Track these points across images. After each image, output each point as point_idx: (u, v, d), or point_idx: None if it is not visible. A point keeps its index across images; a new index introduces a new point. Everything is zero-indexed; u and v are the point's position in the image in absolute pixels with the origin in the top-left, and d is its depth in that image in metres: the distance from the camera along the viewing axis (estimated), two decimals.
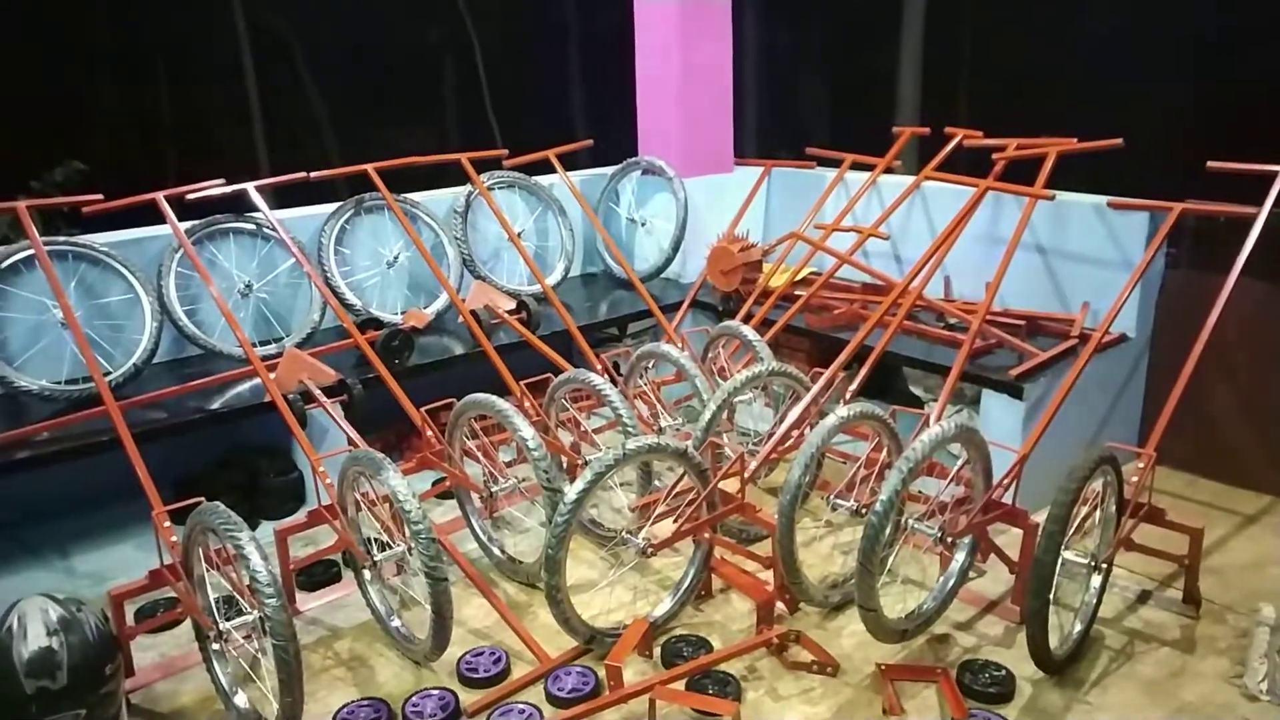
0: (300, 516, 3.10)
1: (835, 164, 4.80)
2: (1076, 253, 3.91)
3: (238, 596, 2.47)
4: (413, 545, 2.58)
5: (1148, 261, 3.37)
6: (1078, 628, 2.76)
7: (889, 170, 4.58)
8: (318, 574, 3.23)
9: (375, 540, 2.82)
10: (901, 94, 12.18)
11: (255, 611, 2.36)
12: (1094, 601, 2.78)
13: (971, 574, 3.03)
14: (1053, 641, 2.61)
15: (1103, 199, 3.78)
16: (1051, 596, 2.53)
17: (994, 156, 3.80)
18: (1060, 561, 2.54)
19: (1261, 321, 3.56)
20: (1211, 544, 3.30)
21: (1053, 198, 3.66)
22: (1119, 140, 3.56)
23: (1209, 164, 3.38)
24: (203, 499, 2.52)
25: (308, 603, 3.13)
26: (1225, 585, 3.10)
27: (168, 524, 2.63)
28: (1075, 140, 3.71)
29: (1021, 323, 3.85)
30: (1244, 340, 3.56)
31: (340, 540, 2.88)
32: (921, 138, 4.70)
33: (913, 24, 11.96)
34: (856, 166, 4.74)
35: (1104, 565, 2.75)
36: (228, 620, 2.46)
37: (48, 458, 3.12)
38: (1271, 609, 2.92)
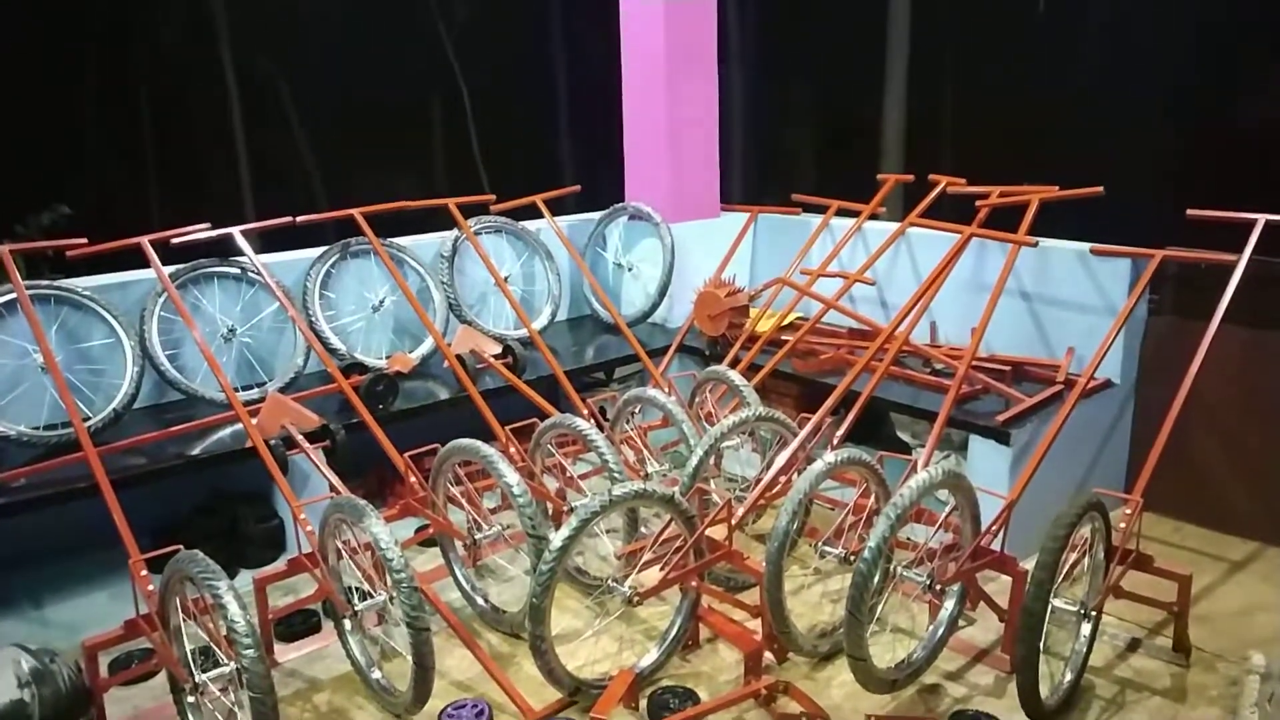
0: (280, 565, 3.05)
1: (821, 210, 4.85)
2: (1060, 299, 3.94)
3: (215, 647, 2.42)
4: (394, 594, 2.54)
5: (1130, 308, 3.40)
6: (1068, 677, 2.73)
7: (874, 216, 4.63)
8: (297, 624, 3.18)
9: (356, 589, 2.78)
10: (886, 142, 12.38)
11: (232, 663, 2.32)
12: (1084, 650, 2.76)
13: (961, 622, 3.00)
14: (1043, 691, 2.58)
15: (1085, 246, 3.82)
16: (1041, 645, 2.51)
17: (977, 204, 3.84)
18: (1050, 609, 2.53)
19: (1245, 368, 3.58)
20: (1200, 591, 3.28)
21: (1036, 244, 3.70)
22: (1099, 188, 3.61)
23: (1189, 212, 3.42)
24: (181, 547, 2.48)
25: (286, 654, 3.07)
26: (1215, 633, 3.08)
27: (144, 573, 2.58)
28: (1057, 188, 3.77)
29: (1007, 368, 3.87)
30: (1228, 386, 3.59)
31: (320, 589, 2.83)
32: (906, 185, 4.76)
33: (896, 73, 12.20)
34: (842, 213, 4.79)
35: (1093, 613, 2.73)
36: (204, 672, 2.40)
37: (24, 505, 3.07)
38: (1262, 657, 2.91)
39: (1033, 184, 3.85)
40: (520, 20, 17.01)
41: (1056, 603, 2.59)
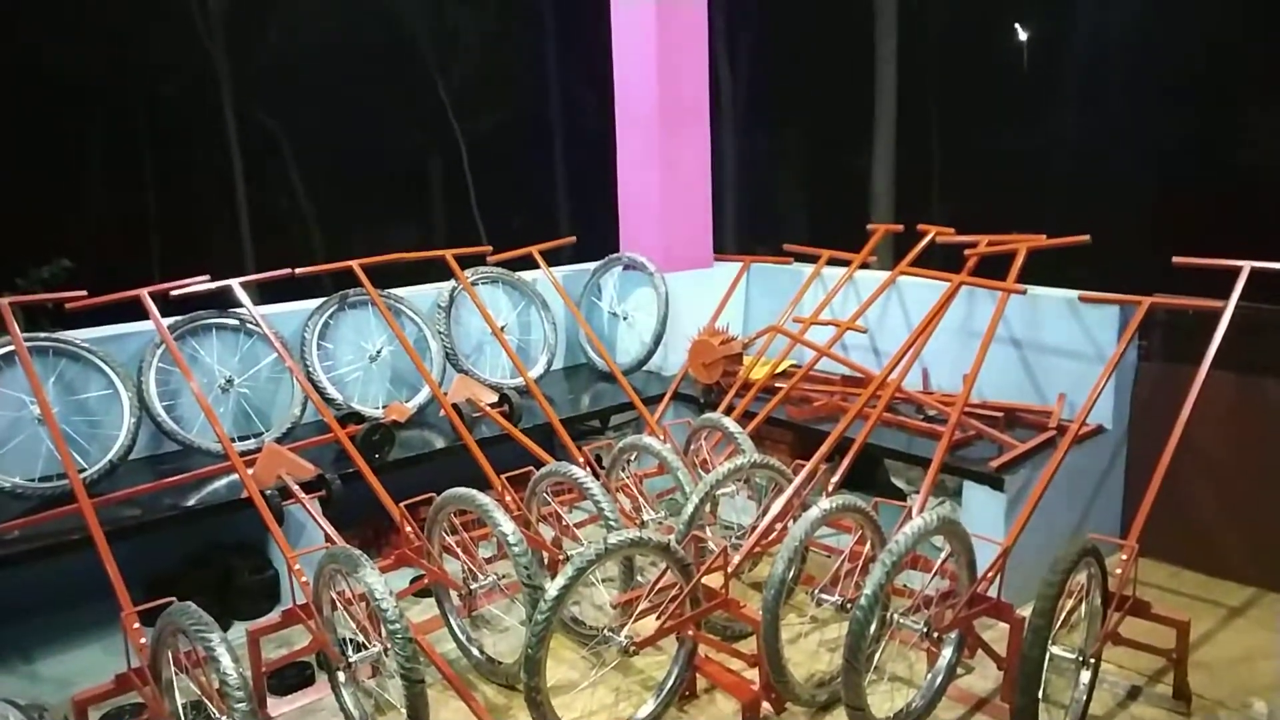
0: (274, 616, 3.03)
1: (812, 260, 4.90)
2: (1051, 345, 3.98)
3: (207, 701, 2.39)
4: (389, 645, 2.52)
5: (1120, 354, 3.43)
6: None
7: (865, 265, 4.68)
8: (290, 676, 3.14)
9: (351, 641, 2.75)
10: (875, 193, 12.59)
11: (224, 717, 2.29)
12: (1084, 698, 2.74)
13: (959, 670, 2.98)
14: None
15: (1074, 293, 3.86)
16: (1041, 693, 2.49)
17: (966, 252, 3.89)
18: (1048, 657, 2.51)
19: (1236, 412, 3.61)
20: (1199, 637, 3.27)
21: (1024, 292, 3.74)
22: (1086, 237, 3.66)
23: (1174, 259, 3.47)
24: (174, 599, 2.47)
25: (280, 707, 3.03)
26: (1214, 680, 3.06)
27: (137, 625, 2.56)
28: (1044, 237, 3.82)
29: (1000, 414, 3.89)
30: (1220, 431, 3.61)
31: (315, 641, 2.81)
32: (895, 234, 4.82)
33: (885, 126, 12.42)
34: (833, 262, 4.84)
35: (1092, 660, 2.72)
36: None
37: (17, 557, 3.04)
38: (1263, 704, 2.89)
39: (1020, 233, 3.91)
40: (517, 77, 17.39)
41: (1055, 650, 2.57)
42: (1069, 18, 14.33)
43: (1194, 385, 3.11)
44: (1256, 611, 3.50)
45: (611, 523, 3.15)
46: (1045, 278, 4.05)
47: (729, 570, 2.93)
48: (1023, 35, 15.28)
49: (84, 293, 3.60)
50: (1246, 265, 3.34)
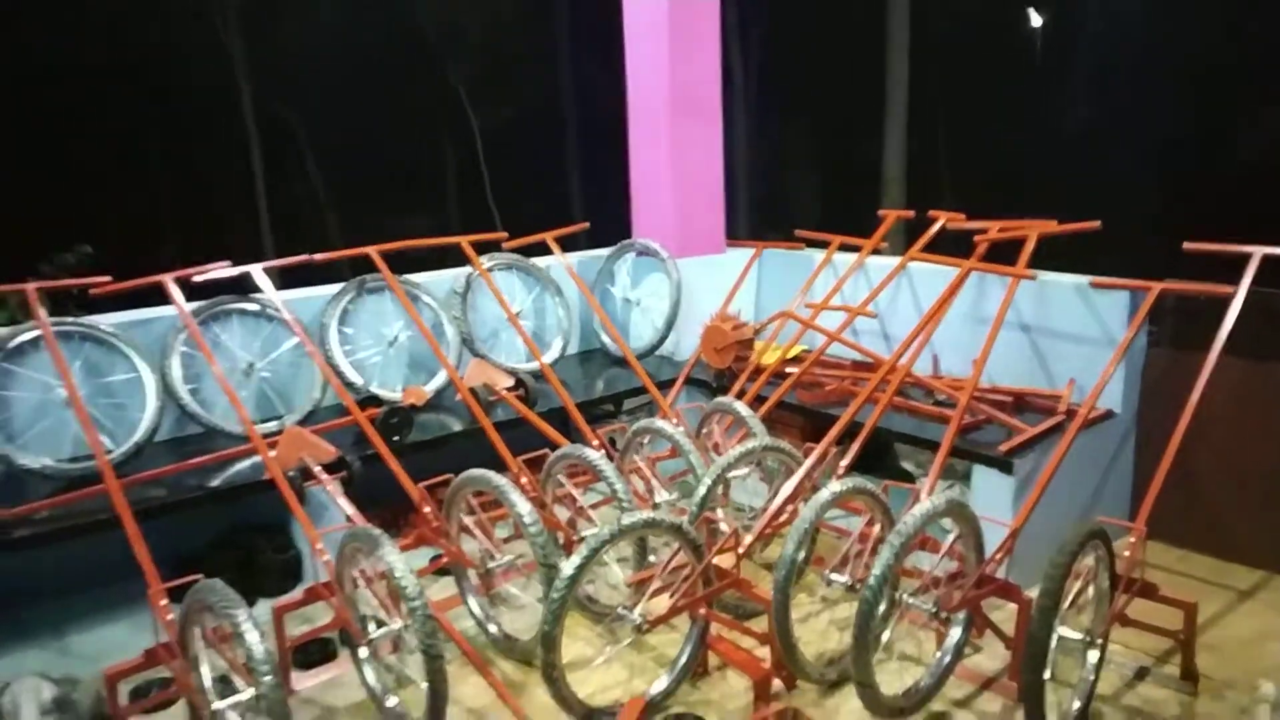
0: (297, 594, 3.10)
1: (824, 245, 4.93)
2: (1060, 331, 4.00)
3: (233, 675, 2.46)
4: (409, 622, 2.59)
5: (1130, 339, 3.45)
6: (1076, 705, 2.75)
7: (876, 251, 4.70)
8: (314, 652, 3.22)
9: (372, 617, 2.82)
10: (887, 179, 12.55)
11: (250, 690, 2.36)
12: (1091, 678, 2.77)
13: (968, 650, 3.03)
14: (1051, 719, 2.60)
15: (1085, 279, 3.88)
16: (1048, 673, 2.53)
17: (976, 239, 3.91)
18: (1055, 637, 2.55)
19: (1245, 398, 3.62)
20: (1207, 620, 3.30)
21: (1035, 278, 3.76)
22: (1097, 223, 3.68)
23: (1185, 245, 3.48)
24: (201, 576, 2.53)
25: (303, 681, 3.11)
26: (1223, 661, 3.09)
27: (164, 602, 2.63)
28: (1055, 222, 3.83)
29: (1009, 399, 3.92)
30: (1229, 416, 3.62)
31: (337, 617, 2.88)
32: (906, 220, 4.84)
33: (896, 112, 12.37)
34: (844, 248, 4.86)
35: (1099, 641, 2.75)
36: (222, 699, 2.44)
37: (47, 536, 3.13)
38: (1271, 685, 2.92)
39: (1031, 219, 3.93)
40: (530, 65, 17.40)
41: (1062, 631, 2.61)
42: (1080, 4, 14.22)
43: (1204, 370, 3.13)
44: (1266, 594, 3.53)
45: (625, 504, 3.20)
46: (1056, 263, 4.06)
47: (740, 551, 2.98)
48: (1034, 21, 15.17)
49: (108, 278, 3.67)
50: (1258, 251, 3.34)
